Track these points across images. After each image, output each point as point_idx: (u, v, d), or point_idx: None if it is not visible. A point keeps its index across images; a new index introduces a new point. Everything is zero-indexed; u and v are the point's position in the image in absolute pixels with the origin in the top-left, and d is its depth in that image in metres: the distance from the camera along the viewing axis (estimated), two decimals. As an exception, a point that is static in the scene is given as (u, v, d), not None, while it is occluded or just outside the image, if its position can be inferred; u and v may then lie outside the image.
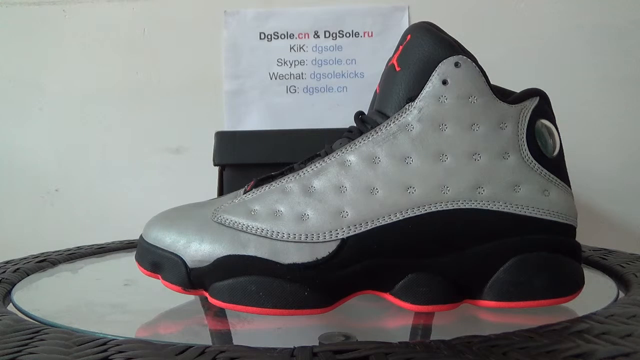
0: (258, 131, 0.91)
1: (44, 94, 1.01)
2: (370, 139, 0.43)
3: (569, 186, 0.45)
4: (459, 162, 0.42)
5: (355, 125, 0.45)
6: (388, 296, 0.43)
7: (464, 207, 0.42)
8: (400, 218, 0.42)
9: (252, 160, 0.78)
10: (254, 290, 0.41)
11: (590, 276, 0.54)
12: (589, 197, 0.98)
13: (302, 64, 1.01)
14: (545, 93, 0.45)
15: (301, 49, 1.02)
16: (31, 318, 0.42)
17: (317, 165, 0.44)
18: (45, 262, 0.62)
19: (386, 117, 0.44)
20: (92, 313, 0.42)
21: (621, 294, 0.49)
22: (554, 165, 0.44)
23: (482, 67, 0.43)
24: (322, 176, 0.43)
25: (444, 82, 0.42)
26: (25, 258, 0.65)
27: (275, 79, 1.01)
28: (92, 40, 1.01)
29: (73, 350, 0.33)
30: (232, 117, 1.00)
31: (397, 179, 0.42)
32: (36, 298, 0.52)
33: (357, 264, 0.41)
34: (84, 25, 1.01)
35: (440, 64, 0.43)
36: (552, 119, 0.45)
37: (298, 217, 0.42)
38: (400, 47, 0.45)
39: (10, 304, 0.48)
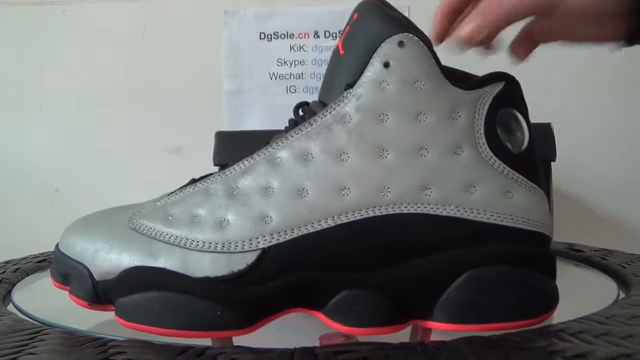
0: (258, 131, 0.86)
1: (44, 94, 0.95)
2: (303, 132, 0.35)
3: (541, 187, 0.36)
4: (402, 158, 0.33)
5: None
6: (320, 315, 0.34)
7: (408, 211, 0.33)
8: (332, 224, 0.33)
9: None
10: (158, 308, 0.33)
11: (591, 276, 0.53)
12: (589, 196, 0.90)
13: (302, 64, 0.95)
14: (513, 78, 0.36)
15: (301, 49, 0.95)
16: (31, 318, 0.39)
17: (245, 163, 0.36)
18: (45, 262, 0.59)
19: (325, 107, 0.35)
20: (92, 313, 0.37)
21: (621, 295, 0.45)
22: (521, 162, 0.35)
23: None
24: (248, 175, 0.35)
25: (386, 65, 0.34)
26: (25, 258, 0.61)
27: (275, 79, 0.95)
28: (92, 40, 0.95)
29: (73, 351, 0.31)
30: (232, 117, 0.94)
31: (330, 178, 0.33)
32: (36, 298, 0.49)
33: (279, 278, 0.33)
34: (84, 25, 0.95)
35: (382, 44, 0.34)
36: (522, 108, 0.36)
37: (217, 223, 0.34)
38: (347, 28, 0.37)
39: (10, 304, 0.45)
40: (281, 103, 0.93)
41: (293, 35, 0.95)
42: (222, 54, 0.92)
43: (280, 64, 0.95)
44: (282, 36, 0.96)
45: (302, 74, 0.94)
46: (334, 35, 0.94)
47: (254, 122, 0.93)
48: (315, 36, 0.95)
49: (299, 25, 0.95)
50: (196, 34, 0.95)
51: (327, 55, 0.93)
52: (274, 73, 0.95)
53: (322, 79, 0.92)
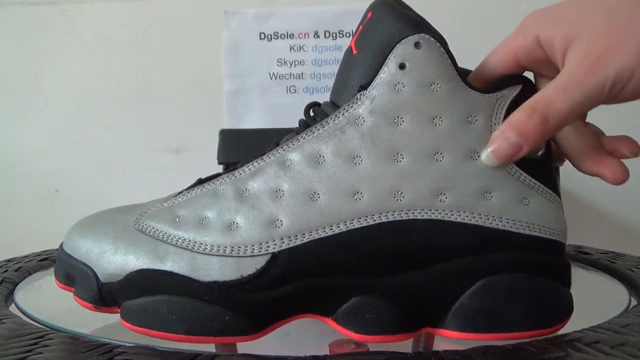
0: (263, 129, 0.85)
1: (44, 94, 0.93)
2: (315, 134, 0.33)
3: (558, 194, 0.34)
4: (417, 162, 0.32)
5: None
6: (330, 322, 0.33)
7: (421, 217, 0.32)
8: (344, 229, 0.32)
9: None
10: (165, 313, 0.32)
11: (600, 281, 0.52)
12: (595, 197, 0.88)
13: (302, 64, 0.93)
14: (531, 81, 0.35)
15: (301, 49, 0.94)
16: (35, 321, 0.38)
17: (255, 164, 0.34)
18: (48, 261, 0.58)
19: (337, 108, 0.34)
20: (98, 315, 0.36)
21: (632, 300, 0.44)
22: (538, 167, 0.34)
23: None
24: (258, 177, 0.34)
25: (402, 67, 0.32)
26: (27, 256, 0.60)
27: (275, 79, 0.93)
28: (92, 40, 0.93)
29: (79, 357, 0.31)
30: (232, 117, 0.92)
31: (342, 182, 0.32)
32: (39, 298, 0.48)
33: (290, 284, 0.32)
34: (84, 25, 0.93)
35: (397, 45, 0.32)
36: None
37: (226, 225, 0.33)
38: (360, 27, 0.35)
39: (13, 304, 0.44)
40: (281, 103, 0.91)
41: (293, 35, 0.94)
42: (222, 54, 0.91)
43: (280, 64, 0.94)
44: (282, 36, 0.94)
45: (302, 74, 0.92)
46: (334, 35, 0.93)
47: (254, 122, 0.92)
48: (315, 36, 0.94)
49: (299, 25, 0.94)
50: (196, 34, 0.93)
51: (327, 55, 0.92)
52: (274, 73, 0.94)
53: (322, 79, 0.91)
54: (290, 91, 0.91)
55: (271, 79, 0.92)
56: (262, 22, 0.93)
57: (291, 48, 0.93)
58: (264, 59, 0.93)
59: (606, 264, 0.55)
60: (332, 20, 0.92)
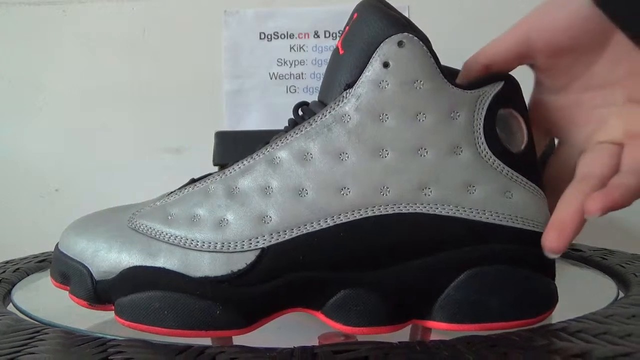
0: (258, 131, 0.86)
1: (44, 94, 0.94)
2: (303, 132, 0.35)
3: (540, 187, 0.36)
4: (402, 158, 0.33)
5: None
6: (319, 315, 0.34)
7: (407, 211, 0.33)
8: (331, 224, 0.33)
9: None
10: (157, 308, 0.33)
11: (591, 276, 0.53)
12: None
13: (302, 64, 0.94)
14: (513, 78, 0.36)
15: (301, 49, 0.95)
16: (31, 318, 0.40)
17: (245, 163, 0.36)
18: (46, 262, 0.59)
19: (325, 106, 0.35)
20: (92, 313, 0.37)
21: (621, 295, 0.45)
22: (520, 161, 0.35)
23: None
24: (247, 175, 0.35)
25: (385, 65, 0.34)
26: (25, 258, 0.61)
27: (275, 79, 0.94)
28: (92, 40, 0.94)
29: (73, 351, 0.32)
30: (232, 117, 0.94)
31: (329, 178, 0.34)
32: (36, 298, 0.49)
33: (279, 278, 0.33)
34: (84, 25, 0.94)
35: (382, 44, 0.34)
36: (521, 107, 0.36)
37: (216, 222, 0.34)
38: (347, 28, 0.37)
39: (10, 304, 0.45)
40: (281, 103, 0.92)
41: (293, 35, 0.95)
42: (222, 54, 0.92)
43: (280, 64, 0.94)
44: (282, 36, 0.95)
45: (302, 74, 0.93)
46: (334, 35, 0.94)
47: (254, 122, 0.93)
48: (315, 36, 0.95)
49: (299, 25, 0.95)
50: (196, 34, 0.94)
51: (327, 55, 0.93)
52: (274, 73, 0.94)
53: (322, 79, 0.92)
54: (290, 91, 0.92)
55: (271, 79, 0.94)
56: (262, 22, 0.94)
57: (291, 48, 0.94)
58: (264, 59, 0.94)
59: (598, 261, 0.56)
60: (332, 20, 0.93)
